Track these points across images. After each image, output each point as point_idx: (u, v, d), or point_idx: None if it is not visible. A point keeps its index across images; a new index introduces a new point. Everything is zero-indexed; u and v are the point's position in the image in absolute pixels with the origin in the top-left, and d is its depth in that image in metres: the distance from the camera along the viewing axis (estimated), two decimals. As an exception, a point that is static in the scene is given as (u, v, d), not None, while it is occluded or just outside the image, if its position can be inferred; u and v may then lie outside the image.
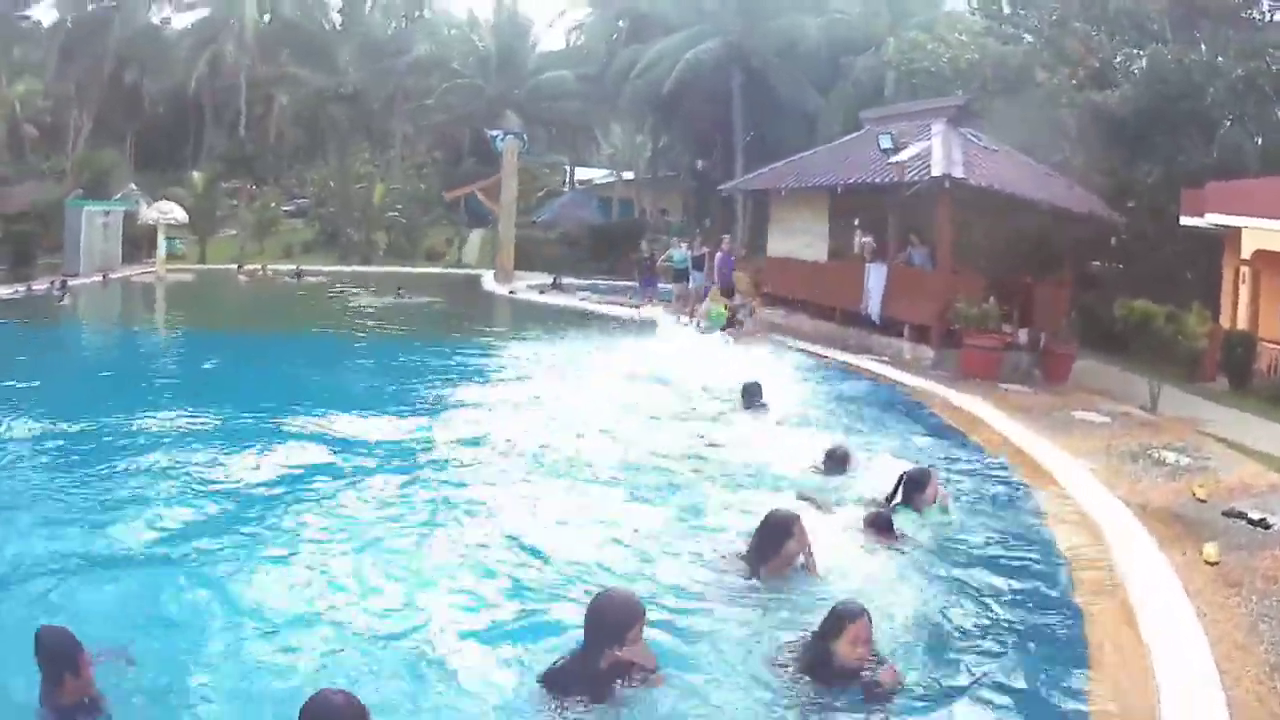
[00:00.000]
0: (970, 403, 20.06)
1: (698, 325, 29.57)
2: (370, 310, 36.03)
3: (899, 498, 11.45)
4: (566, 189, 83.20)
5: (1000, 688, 7.62)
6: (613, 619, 6.92)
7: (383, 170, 66.38)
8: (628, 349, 24.28)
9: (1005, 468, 14.88)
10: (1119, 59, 37.03)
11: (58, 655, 6.35)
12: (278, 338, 29.21)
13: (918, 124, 28.71)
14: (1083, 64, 35.04)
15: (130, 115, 77.36)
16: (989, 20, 41.83)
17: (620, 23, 71.01)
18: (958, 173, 24.00)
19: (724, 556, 9.79)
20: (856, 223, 32.34)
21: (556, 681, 6.90)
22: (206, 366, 23.17)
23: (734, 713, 7.05)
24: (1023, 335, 26.35)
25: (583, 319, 33.42)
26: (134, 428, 14.67)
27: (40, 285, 37.60)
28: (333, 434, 14.72)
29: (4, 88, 65.05)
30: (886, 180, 26.15)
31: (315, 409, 16.27)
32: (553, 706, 6.76)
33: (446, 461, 13.54)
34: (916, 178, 24.74)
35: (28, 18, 76.97)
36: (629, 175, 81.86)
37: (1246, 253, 27.18)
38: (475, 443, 14.66)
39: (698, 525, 11.11)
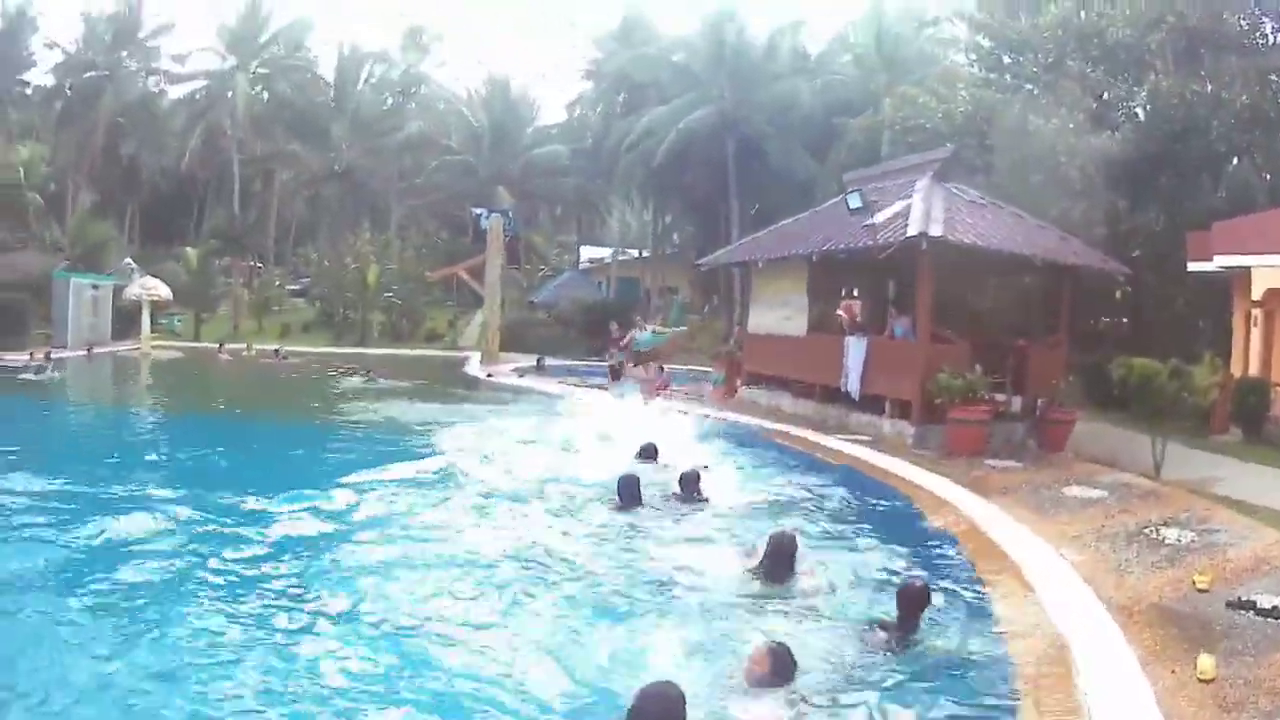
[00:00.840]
0: (938, 484, 17.95)
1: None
2: (332, 393, 34.73)
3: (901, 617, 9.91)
4: (565, 269, 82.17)
5: None
6: None
7: (380, 250, 65.28)
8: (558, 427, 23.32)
9: (966, 566, 12.76)
10: (1119, 96, 35.67)
11: None
12: (220, 420, 28.54)
13: (902, 181, 27.05)
14: (1079, 105, 33.62)
15: (130, 188, 78.41)
16: (988, 72, 40.65)
17: (620, 95, 70.51)
18: (936, 230, 21.90)
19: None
20: (856, 292, 30.78)
21: None
22: (144, 446, 22.52)
23: None
24: (1016, 403, 24.53)
25: (545, 399, 32.41)
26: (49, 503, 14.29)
27: (17, 357, 37.33)
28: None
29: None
30: (861, 244, 24.27)
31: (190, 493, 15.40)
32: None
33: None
34: (892, 238, 22.83)
35: (26, 83, 79.03)
36: (633, 252, 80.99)
37: (1257, 293, 26.02)
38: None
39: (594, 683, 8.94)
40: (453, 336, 62.73)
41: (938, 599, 10.61)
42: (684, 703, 7.31)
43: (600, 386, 36.13)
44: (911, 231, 22.05)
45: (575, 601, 10.85)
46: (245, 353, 48.23)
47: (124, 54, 77.01)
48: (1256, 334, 26.76)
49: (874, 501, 16.99)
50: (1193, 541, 13.47)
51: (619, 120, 66.40)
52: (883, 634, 9.70)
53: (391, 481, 17.02)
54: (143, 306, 47.07)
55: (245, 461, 19.95)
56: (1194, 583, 11.27)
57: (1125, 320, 34.50)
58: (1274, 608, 10.22)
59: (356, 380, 37.77)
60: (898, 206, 24.61)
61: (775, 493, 17.40)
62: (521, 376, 41.39)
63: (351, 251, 63.59)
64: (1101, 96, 35.46)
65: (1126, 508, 15.88)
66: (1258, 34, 34.98)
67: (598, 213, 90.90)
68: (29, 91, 79.18)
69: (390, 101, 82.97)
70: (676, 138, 57.04)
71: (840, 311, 27.13)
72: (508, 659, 9.14)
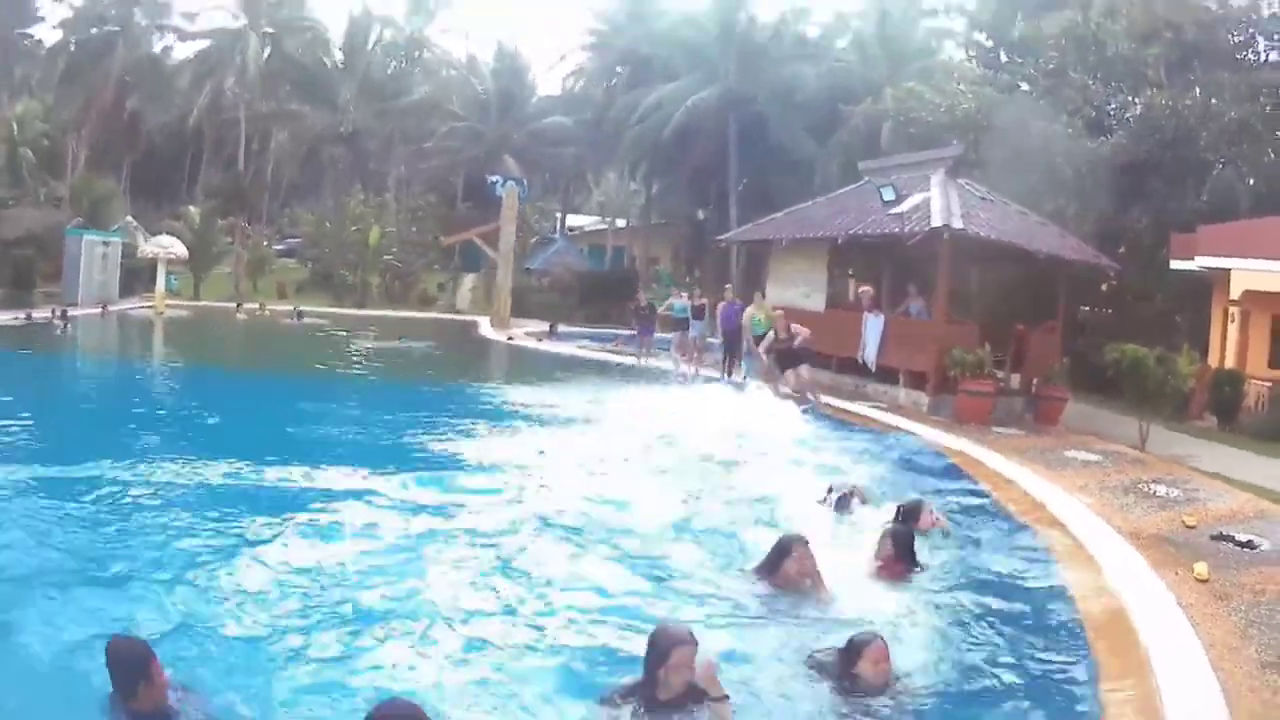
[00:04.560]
0: (967, 446, 20.41)
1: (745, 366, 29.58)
2: (377, 354, 35.76)
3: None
4: (556, 236, 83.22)
5: (1014, 690, 8.39)
6: (660, 645, 7.19)
7: (377, 213, 66.87)
8: (644, 396, 24.67)
9: (1004, 503, 15.44)
10: (1114, 106, 37.73)
11: (131, 665, 6.43)
12: (298, 380, 28.48)
13: (916, 175, 29.25)
14: (1079, 113, 35.74)
15: (128, 144, 77.59)
16: (986, 69, 42.55)
17: (619, 69, 71.64)
18: (957, 224, 24.48)
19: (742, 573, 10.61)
20: (850, 272, 33.02)
21: (613, 702, 7.24)
22: (229, 406, 21.87)
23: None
24: (1015, 380, 27.15)
25: (588, 366, 33.74)
26: (153, 464, 14.23)
27: (41, 314, 37.75)
28: (374, 478, 14.25)
29: (2, 108, 65.04)
30: (888, 231, 26.70)
31: (353, 451, 16.65)
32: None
33: (479, 507, 13.15)
34: (916, 229, 25.25)
35: (30, 36, 78.39)
36: (621, 223, 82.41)
37: (1236, 293, 28.05)
38: (499, 487, 14.48)
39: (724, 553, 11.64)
40: (448, 300, 64.48)
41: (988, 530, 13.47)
42: (798, 543, 10.09)
43: (623, 350, 38.00)
44: (936, 223, 24.59)
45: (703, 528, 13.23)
46: (259, 312, 48.96)
47: (136, 9, 76.12)
48: (1234, 329, 28.94)
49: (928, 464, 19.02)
50: (1178, 496, 16.06)
51: (623, 95, 67.21)
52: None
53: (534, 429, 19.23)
54: (159, 265, 47.52)
55: (360, 422, 20.55)
56: (1184, 521, 13.95)
57: (1110, 311, 36.57)
58: (1249, 541, 12.78)
59: (396, 343, 38.59)
60: (917, 199, 27.05)
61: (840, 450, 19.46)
62: (539, 341, 43.35)
63: (350, 214, 64.96)
64: (1099, 106, 37.49)
65: (1120, 469, 18.55)
66: (1250, 50, 37.08)
67: (585, 183, 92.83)
68: (33, 46, 78.94)
69: (394, 66, 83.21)
70: (684, 114, 58.36)
71: (865, 289, 29.21)
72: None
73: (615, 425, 20.59)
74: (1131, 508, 14.99)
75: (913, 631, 9.28)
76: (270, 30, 76.19)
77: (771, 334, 25.90)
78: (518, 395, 25.85)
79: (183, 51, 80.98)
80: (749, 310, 28.48)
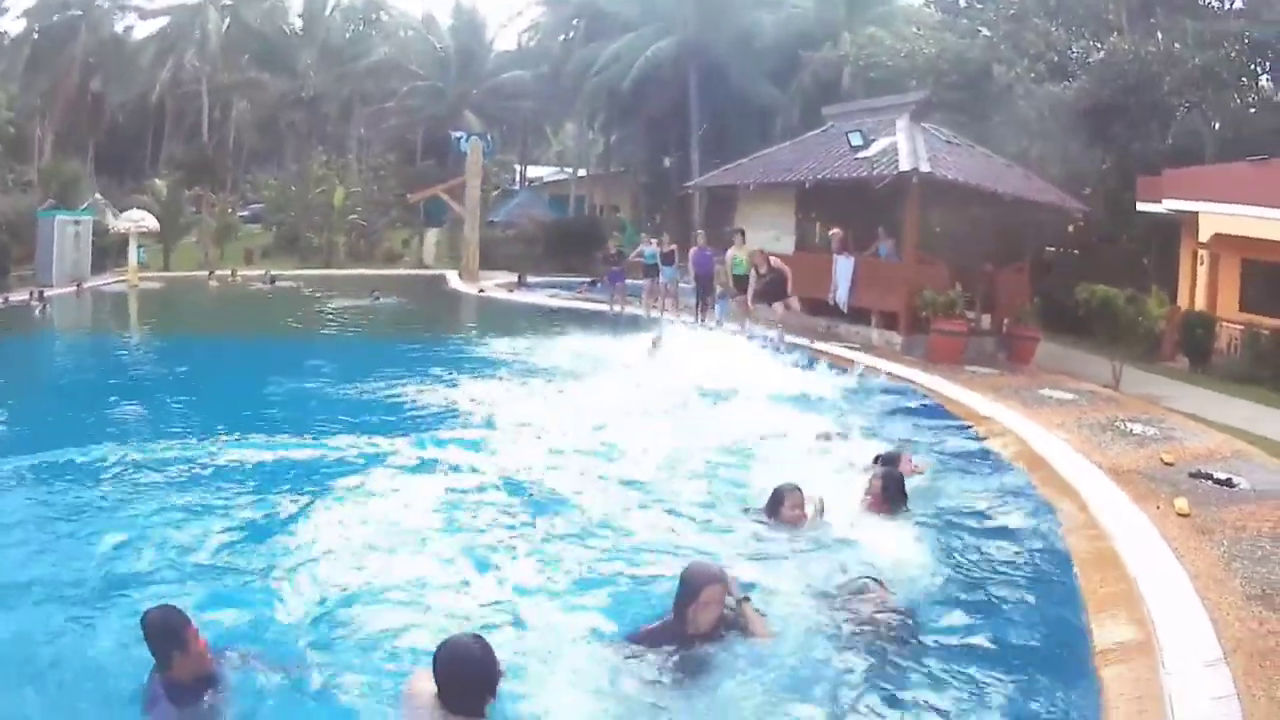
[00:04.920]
0: (944, 385, 20.66)
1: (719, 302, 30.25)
2: (353, 311, 35.76)
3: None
4: (516, 187, 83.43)
5: (1007, 618, 8.57)
6: (691, 583, 7.37)
7: (340, 174, 66.37)
8: (622, 342, 24.95)
9: (984, 440, 15.75)
10: (1076, 51, 37.88)
11: (165, 634, 6.32)
12: (286, 343, 28.07)
13: (881, 119, 29.40)
14: (1041, 58, 35.85)
15: (93, 125, 77.44)
16: (945, 14, 42.67)
17: (575, 21, 70.88)
18: (924, 167, 24.61)
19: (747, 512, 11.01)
20: (814, 215, 33.14)
21: (644, 640, 7.41)
22: (228, 375, 21.90)
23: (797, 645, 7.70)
24: (985, 321, 27.27)
25: (562, 315, 33.88)
26: (160, 439, 13.96)
27: (19, 297, 37.01)
28: (384, 433, 14.59)
29: None
30: (857, 175, 26.81)
31: (357, 407, 17.06)
32: (641, 661, 7.20)
33: (498, 454, 13.60)
34: (885, 173, 25.43)
35: None
36: (581, 173, 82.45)
37: (1204, 236, 28.15)
38: (518, 427, 15.24)
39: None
40: (414, 255, 64.23)
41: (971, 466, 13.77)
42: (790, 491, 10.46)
43: (590, 297, 38.56)
44: (904, 167, 24.77)
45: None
46: (231, 279, 48.44)
47: (97, -9, 75.67)
48: (1203, 272, 29.26)
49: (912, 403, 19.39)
50: (1155, 434, 16.23)
51: (580, 47, 66.50)
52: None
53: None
54: (130, 239, 46.78)
55: (362, 378, 20.20)
56: (1162, 459, 14.07)
57: (1076, 252, 36.82)
58: (1228, 479, 12.89)
59: (370, 300, 38.45)
60: (884, 143, 27.15)
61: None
62: (510, 292, 43.37)
63: (313, 176, 64.46)
64: (1061, 51, 37.61)
65: (1095, 408, 18.70)
66: (1213, -2, 37.25)
67: (543, 135, 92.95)
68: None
69: (352, 29, 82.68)
70: (643, 65, 58.02)
71: (835, 231, 29.39)
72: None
73: (602, 371, 21.10)
74: (1110, 445, 15.14)
75: (904, 566, 9.45)
76: (229, 2, 76.63)
77: (753, 272, 26.34)
78: (500, 346, 25.91)
79: (144, 30, 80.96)
80: (730, 251, 28.53)
